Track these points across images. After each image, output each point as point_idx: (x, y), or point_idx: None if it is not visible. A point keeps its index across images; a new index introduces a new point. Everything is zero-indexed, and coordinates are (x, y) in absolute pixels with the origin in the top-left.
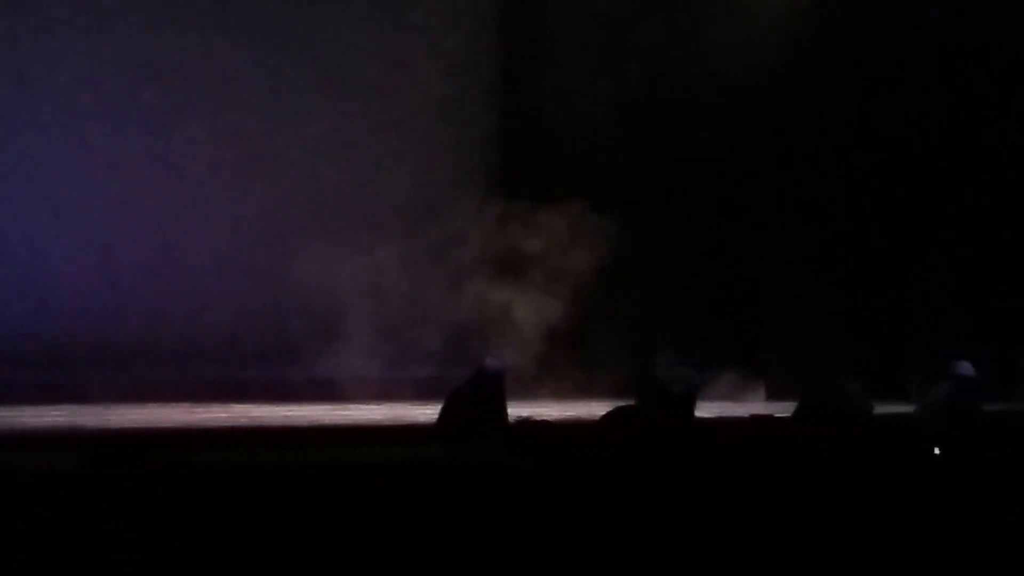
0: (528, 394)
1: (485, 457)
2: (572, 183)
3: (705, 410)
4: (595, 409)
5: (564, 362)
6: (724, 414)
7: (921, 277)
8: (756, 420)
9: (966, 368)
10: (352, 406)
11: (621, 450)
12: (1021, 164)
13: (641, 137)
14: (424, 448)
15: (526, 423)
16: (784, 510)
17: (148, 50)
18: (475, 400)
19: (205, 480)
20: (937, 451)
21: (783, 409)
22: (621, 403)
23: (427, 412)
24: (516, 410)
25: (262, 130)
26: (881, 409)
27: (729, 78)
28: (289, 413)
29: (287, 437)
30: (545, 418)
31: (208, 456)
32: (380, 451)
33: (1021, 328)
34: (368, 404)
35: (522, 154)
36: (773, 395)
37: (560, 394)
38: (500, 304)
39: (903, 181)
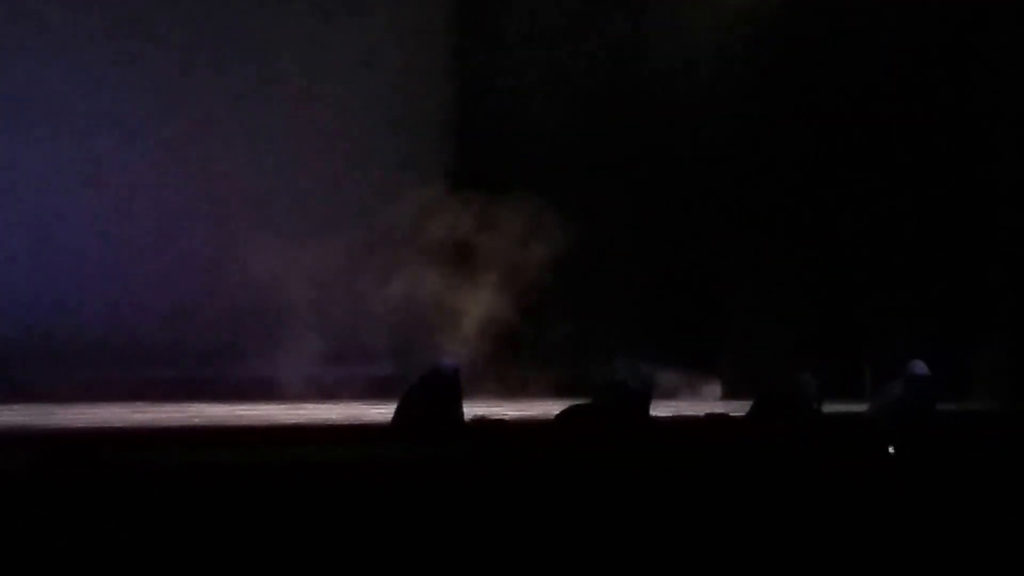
0: (475, 391)
1: (444, 456)
2: (525, 177)
3: (660, 408)
4: (549, 407)
5: (512, 359)
6: (679, 413)
7: (877, 276)
8: (712, 419)
9: (920, 367)
10: (308, 405)
11: (577, 449)
12: (977, 164)
13: (597, 131)
14: (382, 447)
15: (483, 421)
16: (741, 509)
17: (90, 48)
18: (431, 399)
19: (161, 480)
20: (891, 450)
21: (739, 408)
22: (571, 401)
23: (381, 411)
24: (467, 408)
25: (202, 125)
26: (834, 408)
27: (691, 74)
28: (244, 412)
29: (243, 436)
30: (499, 416)
31: (163, 455)
32: (337, 450)
33: (975, 328)
34: (321, 403)
35: (475, 146)
36: (729, 394)
37: (508, 391)
38: (449, 299)
39: (861, 179)
